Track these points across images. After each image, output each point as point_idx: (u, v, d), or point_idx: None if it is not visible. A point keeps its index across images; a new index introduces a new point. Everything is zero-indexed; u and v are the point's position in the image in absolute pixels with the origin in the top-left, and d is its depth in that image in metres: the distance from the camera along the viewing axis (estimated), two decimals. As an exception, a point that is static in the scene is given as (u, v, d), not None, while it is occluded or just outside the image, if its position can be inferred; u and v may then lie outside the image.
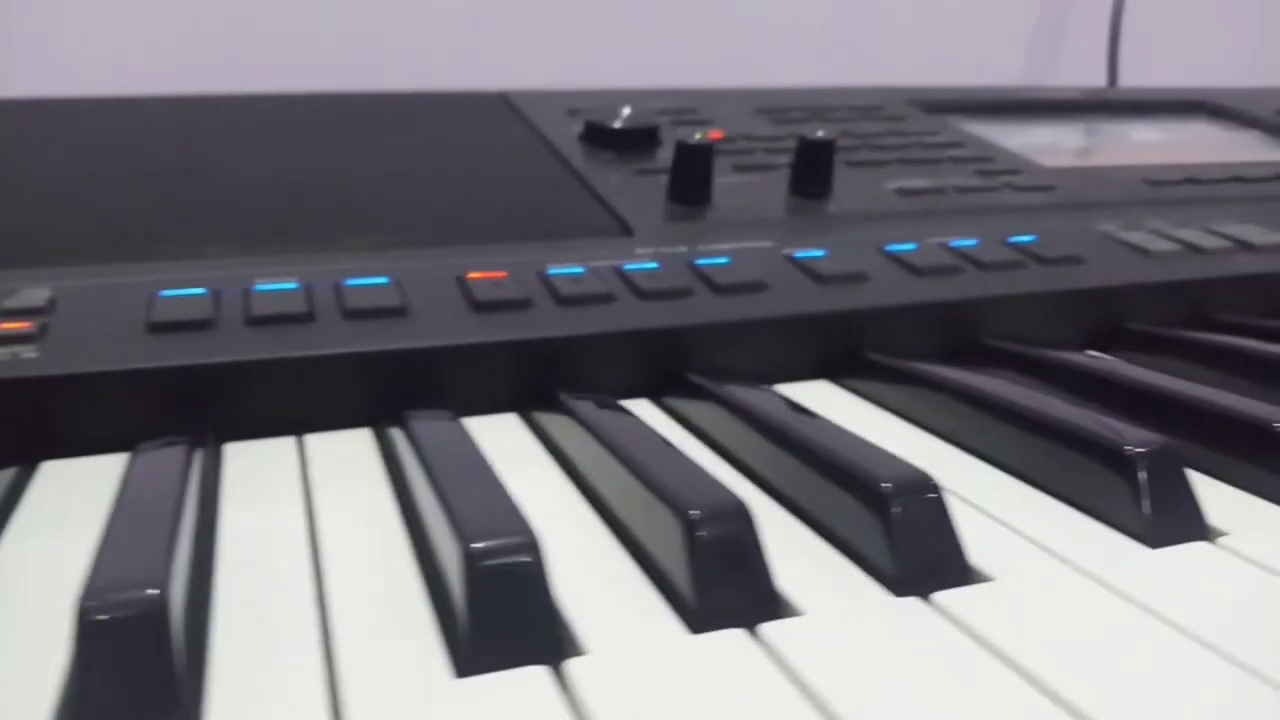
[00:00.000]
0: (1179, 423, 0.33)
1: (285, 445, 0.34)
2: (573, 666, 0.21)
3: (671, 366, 0.39)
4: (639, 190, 0.51)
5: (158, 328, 0.35)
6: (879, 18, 0.92)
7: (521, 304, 0.38)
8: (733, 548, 0.24)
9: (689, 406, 0.37)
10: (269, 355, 0.35)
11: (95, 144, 0.54)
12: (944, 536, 0.26)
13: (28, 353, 0.33)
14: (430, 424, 0.31)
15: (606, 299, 0.39)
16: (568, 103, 0.62)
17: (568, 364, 0.38)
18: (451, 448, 0.29)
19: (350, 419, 0.36)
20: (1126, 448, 0.28)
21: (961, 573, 0.25)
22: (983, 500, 0.30)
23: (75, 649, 0.20)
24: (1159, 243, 0.48)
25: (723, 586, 0.24)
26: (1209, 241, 0.49)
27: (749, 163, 0.55)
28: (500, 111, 0.62)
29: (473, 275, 0.40)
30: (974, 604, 0.24)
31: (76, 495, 0.30)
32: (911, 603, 0.24)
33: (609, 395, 0.35)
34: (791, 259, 0.44)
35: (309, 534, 0.28)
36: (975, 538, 0.27)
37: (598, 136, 0.57)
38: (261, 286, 0.38)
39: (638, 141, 0.56)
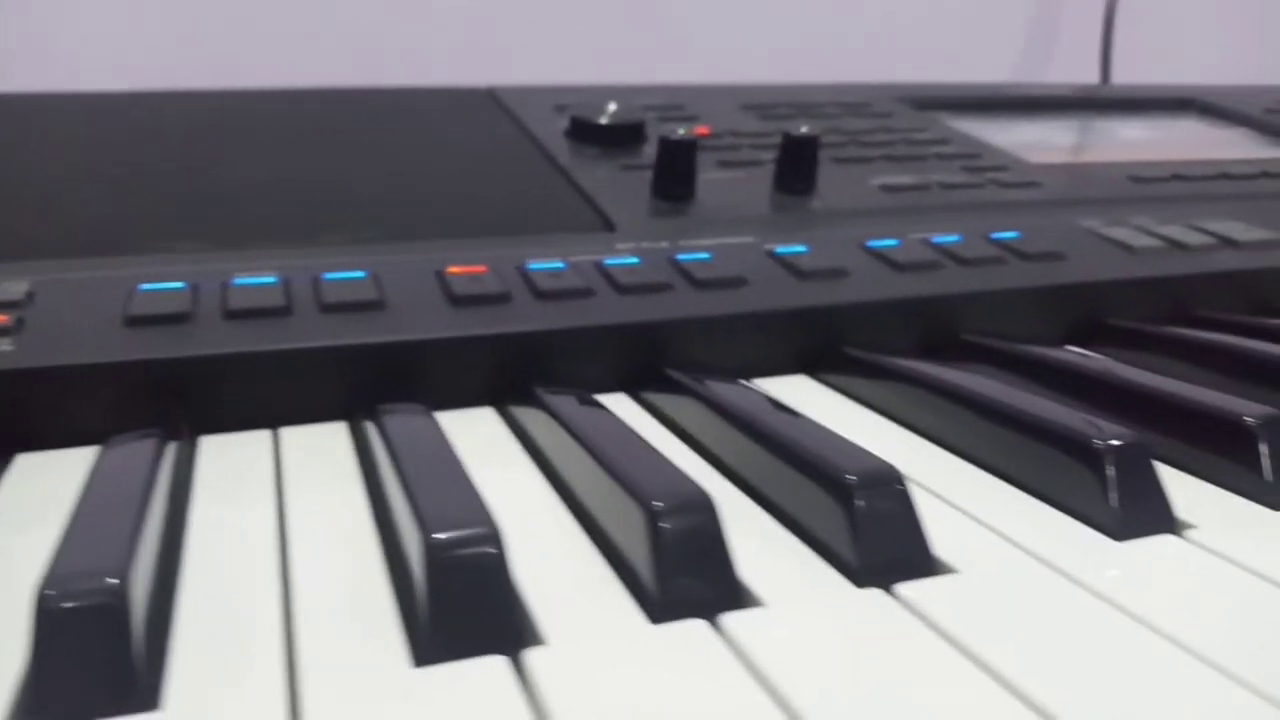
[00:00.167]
0: (1152, 417, 0.33)
1: (261, 439, 0.34)
2: (531, 656, 0.21)
3: (650, 361, 0.39)
4: (623, 186, 0.51)
5: (135, 321, 0.35)
6: (874, 15, 0.92)
7: (500, 298, 0.38)
8: (696, 539, 0.24)
9: (665, 401, 0.37)
10: (245, 349, 0.35)
11: (76, 139, 0.54)
12: (908, 529, 0.26)
13: (4, 345, 0.33)
14: (400, 418, 0.31)
15: (585, 294, 0.39)
16: (556, 99, 0.62)
17: (545, 358, 0.38)
18: (420, 441, 0.29)
19: (326, 412, 0.36)
20: (1095, 441, 0.28)
21: (925, 565, 0.26)
22: (952, 493, 0.30)
23: (34, 637, 0.20)
24: (1142, 239, 0.48)
25: (685, 577, 0.24)
26: (1192, 238, 0.49)
27: (734, 159, 0.55)
28: (488, 107, 0.62)
29: (451, 269, 0.40)
30: (935, 595, 0.24)
31: (50, 488, 0.31)
32: (873, 594, 0.24)
33: (586, 390, 0.36)
34: (773, 254, 0.44)
35: (279, 527, 0.28)
36: (941, 530, 0.27)
37: (584, 132, 0.57)
38: (240, 280, 0.38)
39: (623, 137, 0.56)
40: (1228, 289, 0.47)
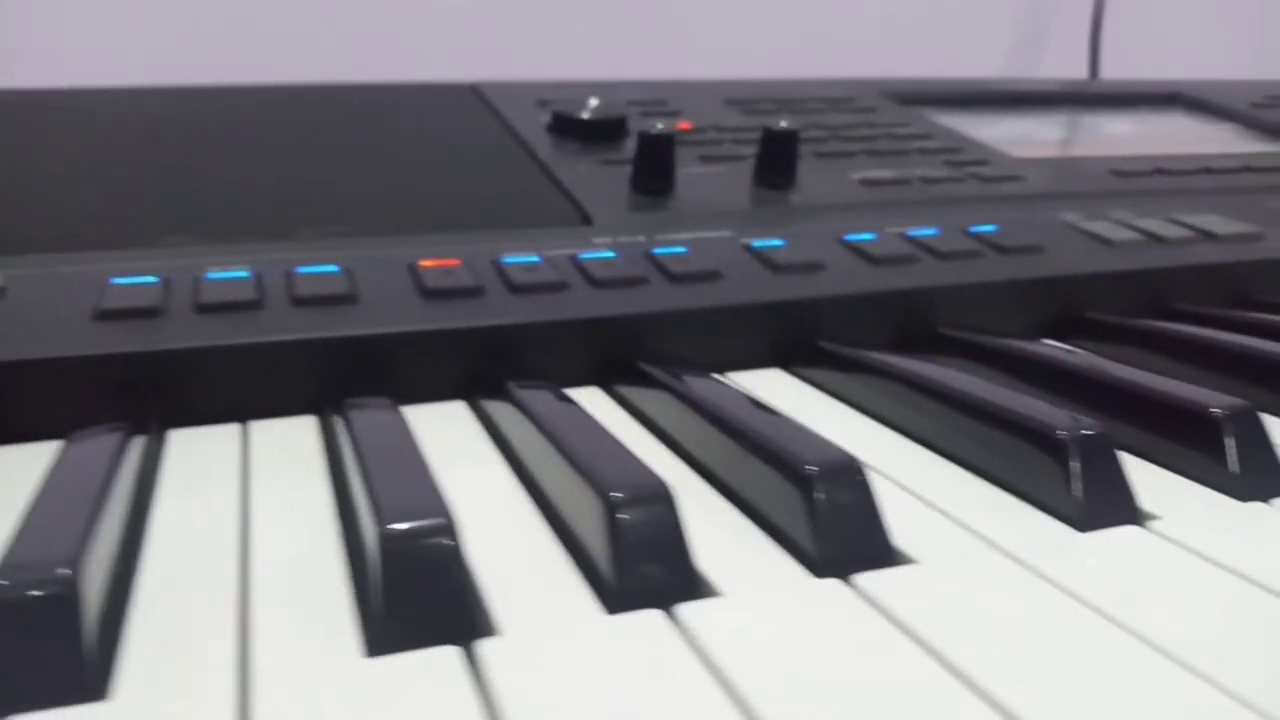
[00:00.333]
0: (1121, 409, 0.33)
1: (229, 432, 0.34)
2: (484, 647, 0.21)
3: (624, 355, 0.39)
4: (603, 180, 0.51)
5: (106, 315, 0.35)
6: (863, 10, 0.92)
7: (473, 292, 0.38)
8: (653, 529, 0.24)
9: (637, 394, 0.37)
10: (215, 342, 0.35)
11: (51, 136, 0.54)
12: (868, 519, 0.26)
13: (-28, 339, 0.33)
14: (365, 411, 0.31)
15: (559, 287, 0.39)
16: (539, 94, 0.62)
17: (518, 352, 0.38)
18: (382, 434, 0.29)
19: (297, 406, 0.36)
20: (1059, 432, 0.28)
21: (885, 556, 0.25)
22: (917, 485, 0.30)
23: (-15, 627, 0.20)
24: (1121, 232, 0.48)
25: (643, 567, 0.24)
26: (1171, 231, 0.49)
27: (715, 153, 0.55)
28: (470, 103, 0.62)
29: (424, 263, 0.40)
30: (893, 586, 0.24)
31: (14, 482, 0.30)
32: (831, 584, 0.24)
33: (556, 383, 0.36)
34: (749, 249, 0.44)
35: (241, 520, 0.28)
36: (904, 522, 0.27)
37: (565, 127, 0.57)
38: (213, 275, 0.38)
39: (605, 132, 0.56)
40: (1206, 282, 0.47)
